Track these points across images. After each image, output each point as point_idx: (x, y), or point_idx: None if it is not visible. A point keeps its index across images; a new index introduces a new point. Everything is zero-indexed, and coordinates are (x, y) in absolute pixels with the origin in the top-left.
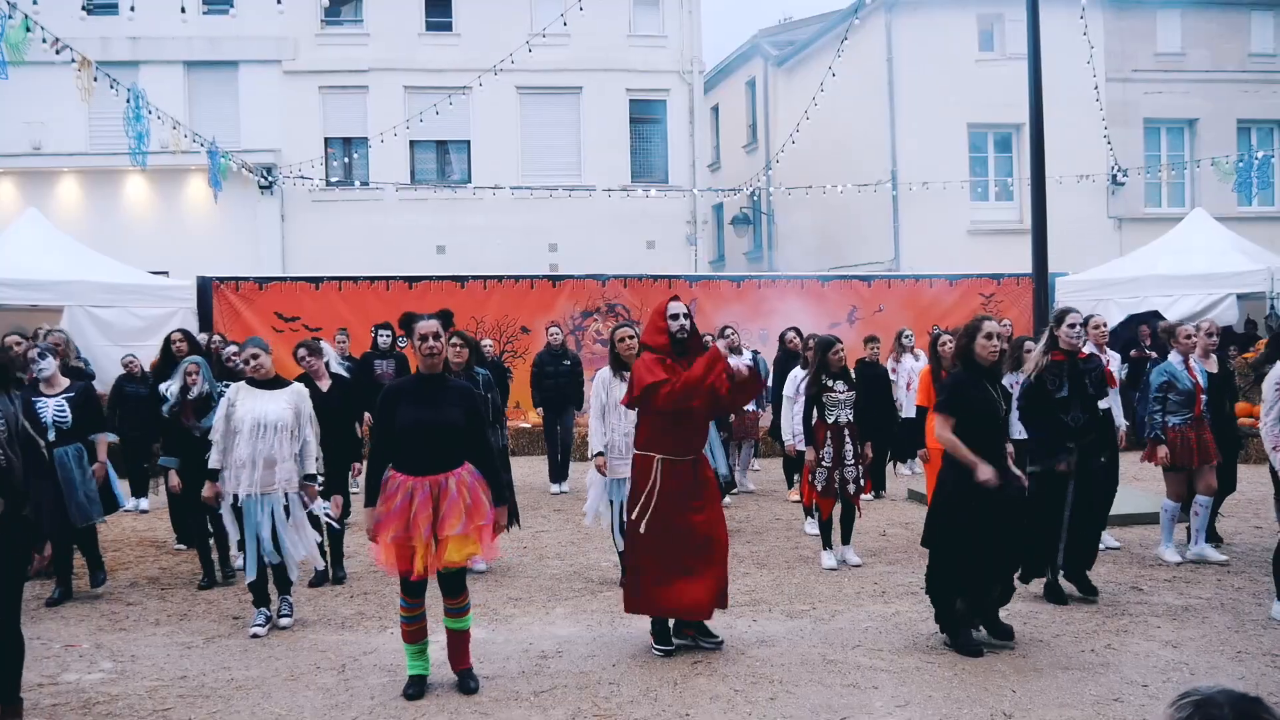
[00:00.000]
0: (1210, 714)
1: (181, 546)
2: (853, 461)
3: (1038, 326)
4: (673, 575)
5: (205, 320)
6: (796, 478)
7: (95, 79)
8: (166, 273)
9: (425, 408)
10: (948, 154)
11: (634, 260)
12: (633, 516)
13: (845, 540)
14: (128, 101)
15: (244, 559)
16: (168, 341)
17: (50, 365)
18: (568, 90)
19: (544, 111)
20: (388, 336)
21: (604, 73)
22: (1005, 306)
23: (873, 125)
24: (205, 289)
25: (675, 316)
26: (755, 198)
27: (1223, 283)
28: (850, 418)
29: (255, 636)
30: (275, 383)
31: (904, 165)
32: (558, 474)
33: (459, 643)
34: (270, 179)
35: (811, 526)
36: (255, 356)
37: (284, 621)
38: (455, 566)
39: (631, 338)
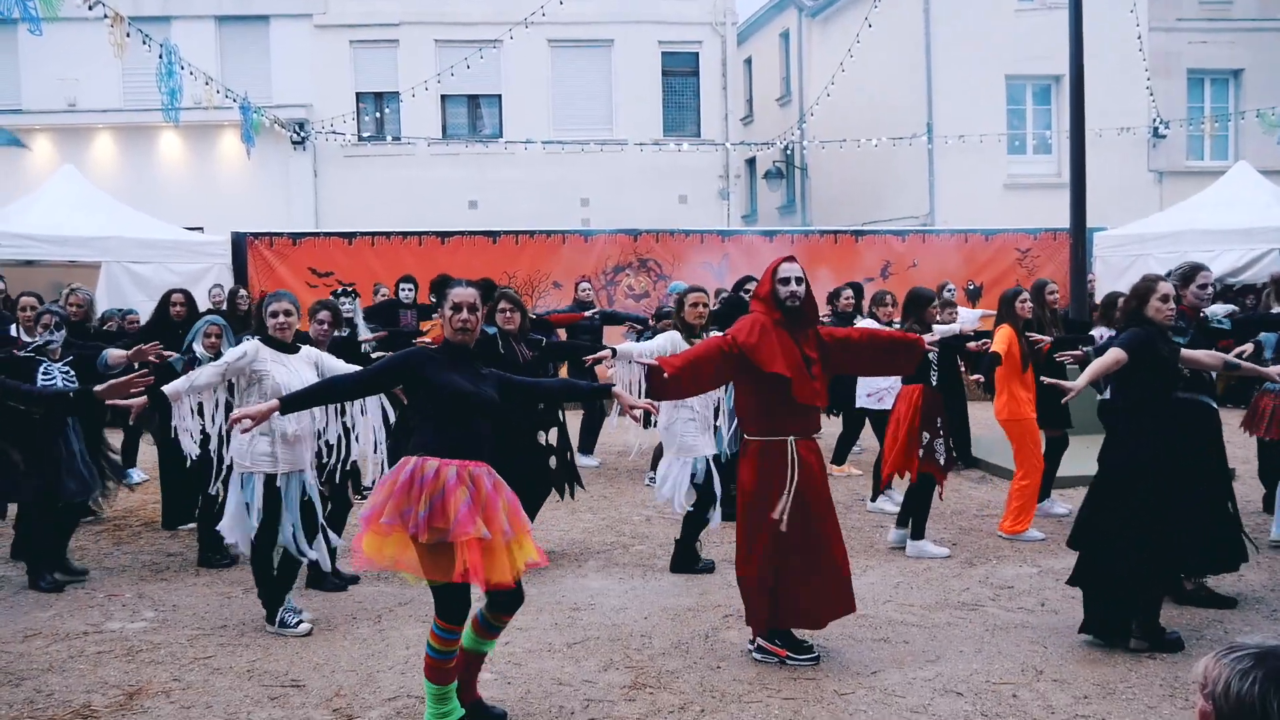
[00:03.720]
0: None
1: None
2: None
3: (1075, 282)
4: (823, 578)
5: (240, 276)
6: (860, 450)
7: (128, 35)
8: (201, 228)
9: (461, 380)
10: (985, 106)
11: (666, 214)
12: (773, 515)
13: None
14: (160, 57)
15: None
16: (165, 303)
17: (60, 338)
18: (599, 43)
19: (575, 64)
20: (410, 291)
21: (635, 25)
22: (1042, 262)
23: (908, 77)
24: (240, 244)
25: (786, 281)
26: (789, 151)
27: (1265, 237)
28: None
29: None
30: (293, 346)
31: (940, 118)
32: (587, 441)
33: (478, 668)
34: (302, 134)
35: (888, 504)
36: (288, 314)
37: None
38: (519, 576)
39: (706, 305)
